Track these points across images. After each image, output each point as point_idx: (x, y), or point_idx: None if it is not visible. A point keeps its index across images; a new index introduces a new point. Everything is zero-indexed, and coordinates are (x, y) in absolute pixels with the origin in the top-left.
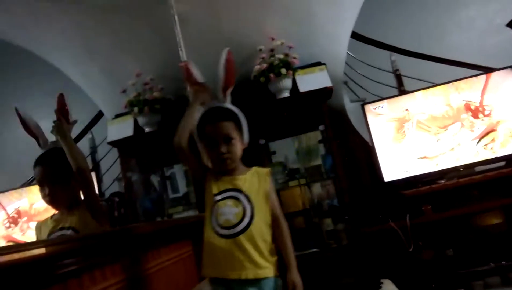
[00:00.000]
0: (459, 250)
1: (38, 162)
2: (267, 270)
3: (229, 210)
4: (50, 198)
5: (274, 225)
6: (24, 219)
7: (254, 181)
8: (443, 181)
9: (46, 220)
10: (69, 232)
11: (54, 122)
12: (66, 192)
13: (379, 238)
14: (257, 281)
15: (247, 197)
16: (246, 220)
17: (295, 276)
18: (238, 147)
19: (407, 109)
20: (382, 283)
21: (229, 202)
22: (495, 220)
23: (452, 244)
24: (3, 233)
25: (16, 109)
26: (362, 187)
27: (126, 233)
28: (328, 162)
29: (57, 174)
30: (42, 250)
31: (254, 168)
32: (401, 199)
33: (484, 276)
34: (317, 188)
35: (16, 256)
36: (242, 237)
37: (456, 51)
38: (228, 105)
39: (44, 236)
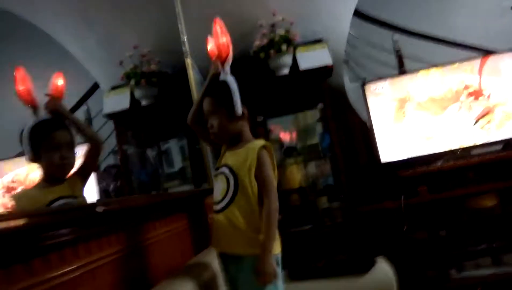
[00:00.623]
0: (452, 231)
1: (57, 127)
2: (247, 248)
3: (218, 186)
4: (69, 162)
5: (260, 203)
6: (20, 188)
7: (243, 156)
8: (439, 163)
9: (26, 191)
10: (71, 200)
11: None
12: None
13: (374, 218)
14: (238, 258)
15: (233, 173)
16: (229, 196)
17: (265, 261)
18: (223, 121)
19: (407, 90)
20: (376, 261)
21: (220, 177)
22: (490, 202)
23: (446, 225)
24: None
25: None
26: (358, 167)
27: (123, 204)
28: (325, 141)
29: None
30: (39, 219)
31: (253, 143)
32: (397, 179)
33: (476, 257)
34: (313, 167)
35: (12, 223)
36: (225, 213)
37: (459, 33)
38: (224, 77)
39: (35, 205)
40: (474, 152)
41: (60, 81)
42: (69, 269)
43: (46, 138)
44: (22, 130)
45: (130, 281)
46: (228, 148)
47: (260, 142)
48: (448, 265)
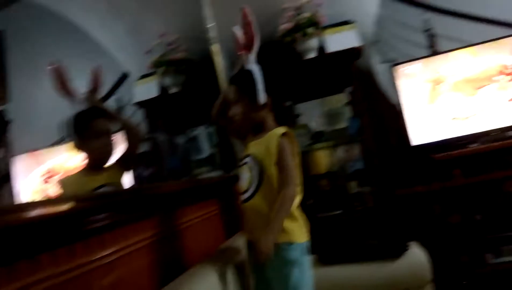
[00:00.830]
0: (488, 215)
1: (97, 115)
2: (283, 235)
3: (243, 176)
4: (109, 149)
5: (279, 190)
6: (58, 176)
7: (264, 143)
8: (475, 145)
9: (71, 177)
10: (113, 188)
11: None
12: None
13: (406, 202)
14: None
15: (257, 162)
16: (253, 185)
17: (264, 238)
18: (246, 109)
19: (439, 71)
20: (408, 245)
21: (244, 167)
22: None
23: (481, 209)
24: (40, 188)
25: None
26: (389, 151)
27: (157, 190)
28: (354, 125)
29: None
30: (79, 204)
31: (274, 131)
32: (430, 163)
33: None
34: (342, 151)
35: (53, 209)
36: (251, 202)
37: (494, 9)
38: (249, 65)
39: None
40: (511, 133)
41: (98, 74)
42: (108, 252)
43: (88, 127)
44: (67, 120)
45: (165, 264)
46: (251, 138)
47: (281, 129)
48: (484, 250)
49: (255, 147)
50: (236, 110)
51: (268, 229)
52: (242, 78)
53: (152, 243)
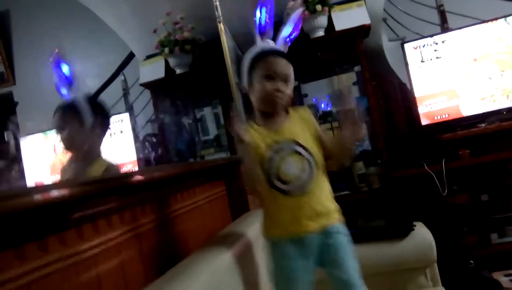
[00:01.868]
0: (495, 195)
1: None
2: (336, 216)
3: (294, 165)
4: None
5: (330, 147)
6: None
7: (302, 128)
8: (483, 125)
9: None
10: None
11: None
12: None
13: (412, 182)
14: (324, 232)
15: (303, 147)
16: (313, 170)
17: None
18: (290, 92)
19: (450, 48)
20: (414, 225)
21: (288, 156)
22: None
23: (487, 189)
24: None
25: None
26: (397, 131)
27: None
28: (362, 105)
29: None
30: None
31: (292, 112)
32: (437, 143)
33: None
34: None
35: (47, 196)
36: (312, 189)
37: None
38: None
39: None
40: None
41: None
42: (118, 232)
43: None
44: None
45: (174, 244)
46: (266, 124)
47: (299, 108)
48: (489, 230)
49: (290, 132)
50: (285, 88)
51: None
52: (289, 57)
53: (162, 224)
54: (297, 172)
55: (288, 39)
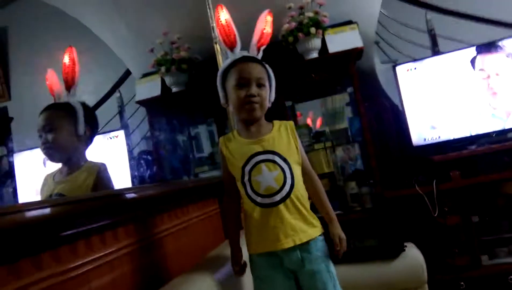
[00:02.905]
0: (485, 216)
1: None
2: (317, 229)
3: (268, 176)
4: None
5: (307, 181)
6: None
7: (283, 138)
8: (473, 147)
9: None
10: None
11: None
12: None
13: (404, 203)
14: (307, 243)
15: (281, 157)
16: (289, 181)
17: (339, 229)
18: (267, 97)
19: (441, 71)
20: (405, 246)
21: (264, 167)
22: None
23: (478, 210)
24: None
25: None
26: (388, 151)
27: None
28: (355, 126)
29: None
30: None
31: (277, 123)
32: (429, 164)
33: (509, 244)
34: (342, 152)
35: (26, 215)
36: (289, 201)
37: (499, 10)
38: (259, 59)
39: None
40: (510, 135)
41: None
42: (111, 250)
43: None
44: None
45: (166, 262)
46: (246, 135)
47: (287, 121)
48: (479, 252)
49: (270, 142)
50: (261, 91)
51: (334, 220)
52: (267, 69)
53: (150, 243)
54: (271, 183)
55: (259, 44)
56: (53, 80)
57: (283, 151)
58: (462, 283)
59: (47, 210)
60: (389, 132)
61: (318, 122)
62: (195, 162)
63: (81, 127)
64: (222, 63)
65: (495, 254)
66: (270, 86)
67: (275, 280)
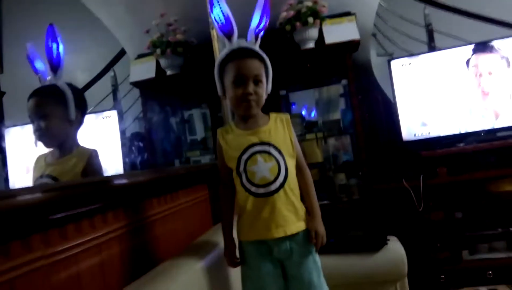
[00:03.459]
0: (469, 213)
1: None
2: (302, 223)
3: (263, 166)
4: None
5: (298, 173)
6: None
7: (279, 130)
8: (462, 145)
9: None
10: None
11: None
12: None
13: (390, 196)
14: (296, 234)
15: (277, 149)
16: (282, 173)
17: (318, 224)
18: (264, 91)
19: (435, 67)
20: (388, 239)
21: (260, 157)
22: (510, 187)
23: (462, 207)
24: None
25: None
26: (379, 145)
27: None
28: (347, 117)
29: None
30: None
31: (273, 115)
32: (417, 159)
33: (491, 240)
34: (333, 143)
35: (17, 200)
36: (282, 192)
37: (497, 8)
38: (258, 49)
39: (34, 179)
40: (500, 134)
41: None
42: (100, 233)
43: None
44: None
45: (154, 246)
46: (243, 126)
47: (282, 113)
48: (461, 247)
49: (266, 134)
50: (258, 89)
51: (317, 216)
52: (265, 60)
53: (142, 226)
54: (266, 174)
55: (258, 30)
56: (35, 56)
57: (278, 143)
58: (442, 276)
59: (38, 195)
60: (380, 125)
61: (312, 112)
62: (187, 146)
63: (72, 112)
64: (218, 50)
65: (476, 250)
66: (267, 78)
67: (263, 268)
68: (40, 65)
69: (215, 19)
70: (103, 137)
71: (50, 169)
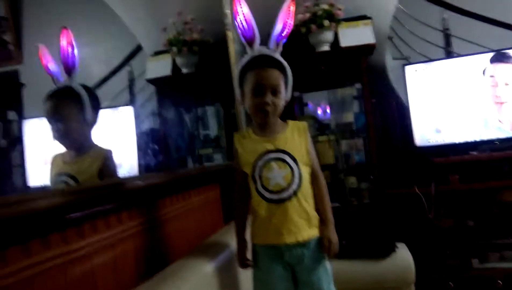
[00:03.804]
0: (480, 222)
1: None
2: (315, 230)
3: (277, 173)
4: None
5: (313, 181)
6: None
7: (295, 139)
8: (475, 153)
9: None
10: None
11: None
12: None
13: (401, 201)
14: (308, 241)
15: (292, 157)
16: (296, 180)
17: (331, 232)
18: (282, 101)
19: (451, 73)
20: (397, 247)
21: (275, 164)
22: None
23: (474, 215)
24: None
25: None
26: (391, 149)
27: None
28: (360, 121)
29: None
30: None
31: (291, 123)
32: (429, 165)
33: (501, 249)
34: (345, 146)
35: (36, 204)
36: (295, 199)
37: None
38: (279, 56)
39: (53, 177)
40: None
41: None
42: (114, 232)
43: None
44: None
45: (166, 245)
46: (260, 133)
47: (300, 122)
48: (471, 255)
49: (282, 141)
50: (275, 100)
51: (330, 224)
52: (286, 69)
53: (156, 225)
54: (280, 181)
55: (280, 37)
56: (47, 58)
57: (293, 151)
58: (451, 283)
59: (57, 199)
60: (393, 130)
61: (326, 113)
62: (201, 143)
63: (89, 114)
64: (233, 51)
65: (486, 258)
66: (287, 86)
67: (274, 271)
68: (53, 66)
69: (238, 26)
70: (118, 132)
71: (68, 167)
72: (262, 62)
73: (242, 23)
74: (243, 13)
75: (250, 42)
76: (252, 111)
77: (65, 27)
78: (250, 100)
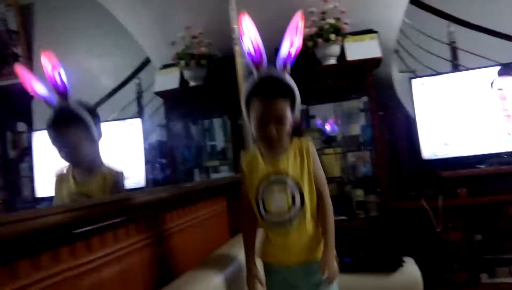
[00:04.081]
0: (488, 236)
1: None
2: (318, 253)
3: (278, 196)
4: None
5: (317, 202)
6: None
7: (298, 160)
8: (483, 166)
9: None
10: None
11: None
12: None
13: (408, 215)
14: (309, 263)
15: (293, 180)
16: (297, 204)
17: (330, 259)
18: (288, 126)
19: (458, 86)
20: (404, 261)
21: (275, 188)
22: None
23: (482, 229)
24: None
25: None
26: (398, 162)
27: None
28: (367, 134)
29: None
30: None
31: (294, 142)
32: (436, 179)
33: (510, 264)
34: (352, 158)
35: (47, 220)
36: (296, 222)
37: None
38: (287, 77)
39: (64, 195)
40: None
41: None
42: (122, 245)
43: None
44: None
45: (173, 258)
46: (266, 151)
47: (303, 139)
48: (479, 270)
49: (284, 164)
50: (280, 127)
51: (330, 250)
52: (293, 91)
53: (164, 237)
54: (280, 204)
55: (288, 58)
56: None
57: (295, 174)
58: None
59: (67, 214)
60: (400, 143)
61: (332, 126)
62: (207, 155)
63: (94, 133)
64: (241, 65)
65: (495, 273)
66: (294, 108)
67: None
68: (43, 90)
69: (245, 51)
70: (126, 143)
71: (81, 187)
72: (268, 90)
73: (249, 48)
74: (249, 38)
75: (257, 65)
76: (257, 138)
77: (44, 51)
78: (255, 128)
